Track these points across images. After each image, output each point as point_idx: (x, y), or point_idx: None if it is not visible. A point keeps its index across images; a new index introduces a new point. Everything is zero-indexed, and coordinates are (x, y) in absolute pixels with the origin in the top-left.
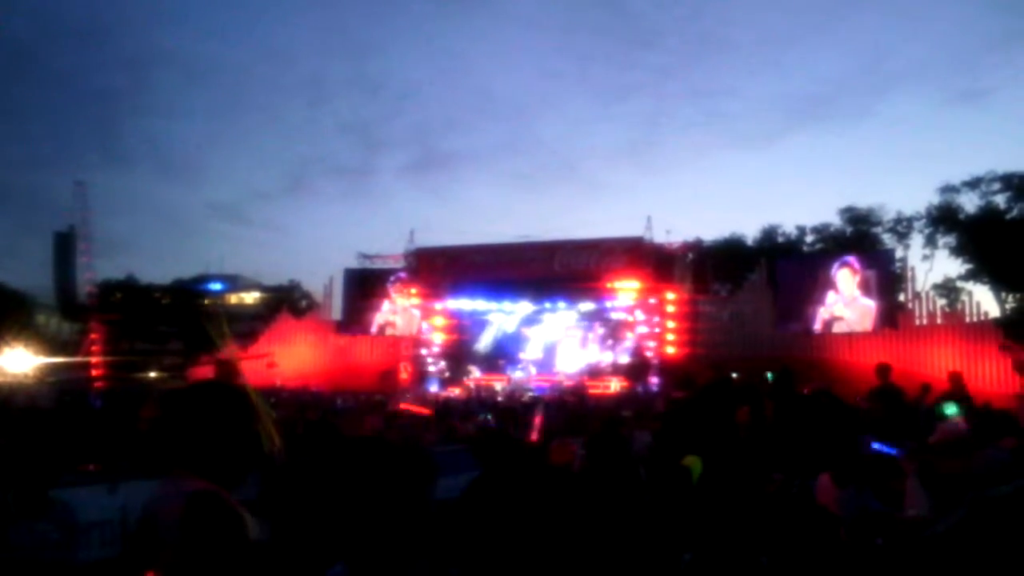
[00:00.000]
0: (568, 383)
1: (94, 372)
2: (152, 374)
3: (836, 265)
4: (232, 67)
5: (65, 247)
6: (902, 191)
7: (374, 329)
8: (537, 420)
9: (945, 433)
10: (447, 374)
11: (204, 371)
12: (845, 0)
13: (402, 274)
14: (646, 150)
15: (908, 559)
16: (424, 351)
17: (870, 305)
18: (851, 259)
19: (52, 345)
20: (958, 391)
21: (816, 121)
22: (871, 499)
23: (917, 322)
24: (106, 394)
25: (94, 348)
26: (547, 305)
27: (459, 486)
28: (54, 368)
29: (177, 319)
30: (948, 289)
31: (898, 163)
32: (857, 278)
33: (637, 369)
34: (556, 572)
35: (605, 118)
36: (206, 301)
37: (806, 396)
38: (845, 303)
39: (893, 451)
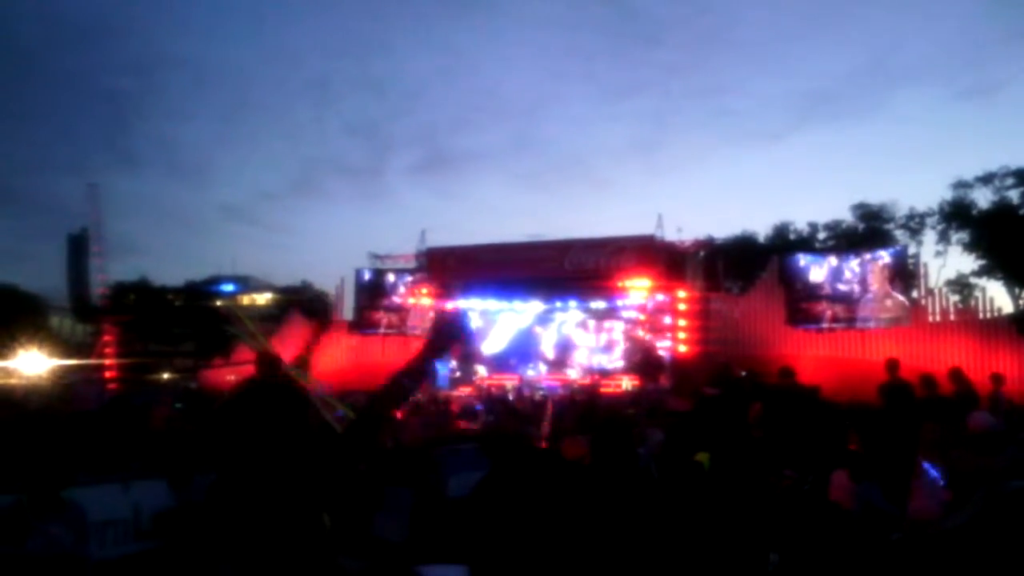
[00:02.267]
0: (579, 382)
1: (107, 374)
2: (165, 375)
3: (865, 262)
4: (240, 69)
5: (78, 249)
6: (914, 187)
7: (383, 329)
8: (547, 417)
9: (979, 425)
10: (457, 373)
11: (218, 372)
12: None
13: (414, 274)
14: (654, 148)
15: (922, 554)
16: None
17: (903, 301)
18: (878, 255)
19: (66, 347)
20: (965, 390)
21: (825, 118)
22: (879, 497)
23: (930, 319)
24: (120, 395)
25: (107, 350)
26: (558, 304)
27: (470, 483)
28: (85, 368)
29: (190, 320)
30: (961, 285)
31: (909, 159)
32: (886, 273)
33: (648, 367)
34: (566, 567)
35: (613, 117)
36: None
37: (806, 393)
38: (877, 300)
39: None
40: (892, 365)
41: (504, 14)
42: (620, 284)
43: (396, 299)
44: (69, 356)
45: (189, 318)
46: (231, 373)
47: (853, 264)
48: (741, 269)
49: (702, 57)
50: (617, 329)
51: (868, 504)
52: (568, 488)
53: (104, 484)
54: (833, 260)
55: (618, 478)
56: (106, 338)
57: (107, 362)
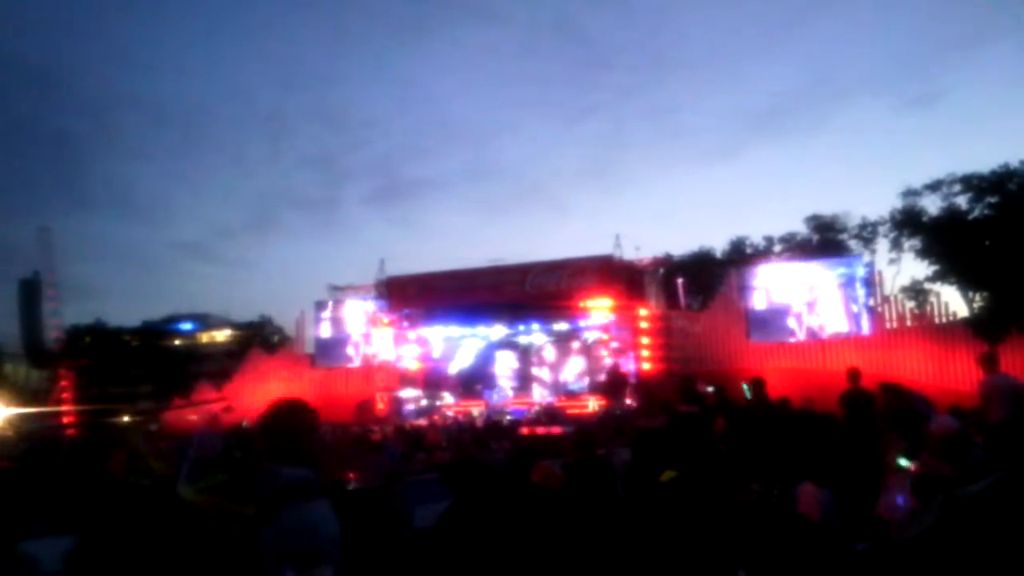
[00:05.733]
0: (545, 405)
1: (65, 419)
2: (125, 418)
3: (811, 272)
4: (193, 106)
5: (31, 294)
6: (865, 197)
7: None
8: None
9: (943, 429)
10: (423, 402)
11: (179, 414)
12: (796, 13)
13: (375, 303)
14: (610, 169)
15: (885, 563)
16: (400, 380)
17: (851, 310)
18: (823, 264)
19: (21, 394)
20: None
21: (776, 132)
22: (830, 504)
23: (887, 325)
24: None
25: (64, 395)
26: (521, 327)
27: (436, 514)
28: (42, 415)
29: (147, 361)
30: (916, 291)
31: (859, 170)
32: (830, 284)
33: (613, 387)
34: None
35: (567, 140)
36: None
37: (776, 406)
38: (824, 309)
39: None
40: (853, 375)
41: (457, 43)
42: (581, 304)
43: (357, 330)
44: (25, 404)
45: (146, 359)
46: (193, 414)
47: (810, 274)
48: (700, 285)
49: (654, 78)
50: (581, 350)
51: (831, 515)
52: (535, 515)
53: (59, 536)
54: (789, 271)
55: (592, 503)
56: (63, 383)
57: (65, 408)
